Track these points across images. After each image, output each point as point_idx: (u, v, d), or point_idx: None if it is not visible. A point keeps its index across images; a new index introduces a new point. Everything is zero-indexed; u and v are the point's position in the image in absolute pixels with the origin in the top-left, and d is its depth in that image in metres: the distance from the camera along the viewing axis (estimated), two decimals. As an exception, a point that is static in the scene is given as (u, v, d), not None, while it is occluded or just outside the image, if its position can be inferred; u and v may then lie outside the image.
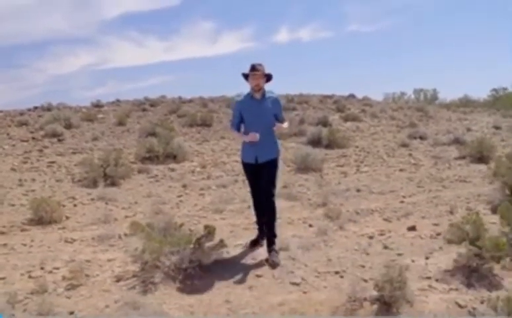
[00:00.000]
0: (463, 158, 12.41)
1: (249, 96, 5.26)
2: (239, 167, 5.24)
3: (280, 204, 7.48)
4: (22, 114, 20.65)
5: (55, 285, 4.51)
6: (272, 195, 5.18)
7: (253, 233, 5.72)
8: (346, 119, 20.34)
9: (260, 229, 5.53)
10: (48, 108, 22.16)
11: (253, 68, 5.11)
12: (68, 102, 24.70)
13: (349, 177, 10.39)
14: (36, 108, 22.77)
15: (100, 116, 20.50)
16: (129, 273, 4.74)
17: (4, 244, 5.87)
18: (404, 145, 14.76)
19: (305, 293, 4.30)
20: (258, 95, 5.20)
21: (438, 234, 5.90)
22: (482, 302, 3.88)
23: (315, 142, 14.40)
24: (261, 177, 5.20)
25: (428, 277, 4.56)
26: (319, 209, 7.44)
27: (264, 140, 5.14)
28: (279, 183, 5.79)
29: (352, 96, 31.77)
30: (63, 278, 4.65)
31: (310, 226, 6.51)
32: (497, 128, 19.70)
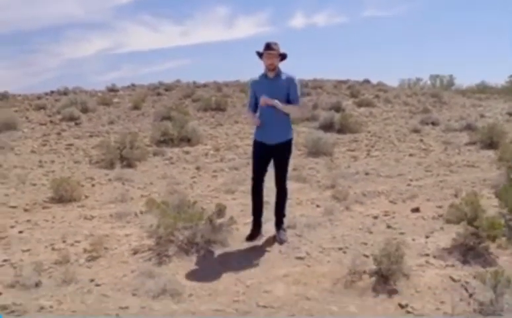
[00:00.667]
0: (473, 143, 12.50)
1: (263, 75, 5.21)
2: (251, 150, 5.39)
3: (289, 186, 7.68)
4: (39, 98, 21.18)
5: (76, 257, 4.85)
6: (285, 179, 5.30)
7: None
8: (359, 105, 20.47)
9: (255, 220, 5.34)
10: (64, 93, 22.67)
11: (268, 47, 5.02)
12: (83, 86, 25.14)
13: (359, 161, 10.61)
14: (52, 92, 23.29)
15: (116, 100, 20.91)
16: (145, 247, 5.06)
17: (28, 220, 6.23)
18: (416, 131, 14.88)
19: (308, 266, 4.59)
20: (271, 74, 5.12)
21: (441, 215, 6.09)
22: (475, 277, 4.09)
23: (328, 127, 14.61)
24: (274, 160, 5.21)
25: (427, 254, 4.80)
26: (327, 190, 7.69)
27: (277, 120, 5.10)
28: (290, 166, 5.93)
29: (367, 81, 31.75)
30: (84, 250, 5.00)
31: (318, 206, 6.77)
32: (511, 114, 19.60)
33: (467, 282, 4.06)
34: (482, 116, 19.03)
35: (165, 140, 12.21)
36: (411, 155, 11.29)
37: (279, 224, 5.39)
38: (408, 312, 3.67)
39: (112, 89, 24.95)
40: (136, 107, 18.72)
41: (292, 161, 9.81)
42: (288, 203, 5.94)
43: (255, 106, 5.32)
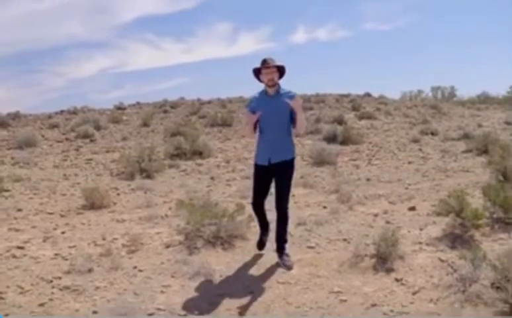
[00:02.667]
0: (470, 151, 13.21)
1: (263, 93, 5.02)
2: (253, 174, 5.63)
3: (297, 191, 8.56)
4: (50, 117, 22.13)
5: (117, 250, 5.61)
6: (287, 202, 5.05)
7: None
8: (361, 117, 21.29)
9: (262, 226, 5.39)
10: (74, 112, 23.68)
11: (265, 62, 4.84)
12: (88, 105, 26.23)
13: (361, 169, 11.37)
14: (62, 111, 24.29)
15: (125, 118, 21.80)
16: (176, 242, 5.82)
17: (67, 224, 6.99)
18: (415, 140, 15.64)
19: (318, 253, 5.37)
20: (272, 91, 4.93)
21: (435, 212, 6.85)
22: (460, 258, 4.84)
23: (331, 139, 15.38)
24: (275, 181, 5.02)
25: (420, 242, 5.57)
26: (332, 194, 8.43)
27: (279, 139, 4.95)
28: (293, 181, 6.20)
29: (368, 95, 32.59)
30: (123, 245, 5.77)
31: (324, 207, 7.51)
32: (508, 123, 20.30)
33: (453, 262, 4.81)
34: (480, 125, 19.77)
35: (178, 154, 12.99)
36: (410, 163, 12.04)
37: (281, 250, 5.13)
38: (402, 284, 4.43)
39: (120, 107, 25.82)
40: (145, 124, 19.61)
41: (300, 170, 10.66)
42: (297, 205, 6.69)
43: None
